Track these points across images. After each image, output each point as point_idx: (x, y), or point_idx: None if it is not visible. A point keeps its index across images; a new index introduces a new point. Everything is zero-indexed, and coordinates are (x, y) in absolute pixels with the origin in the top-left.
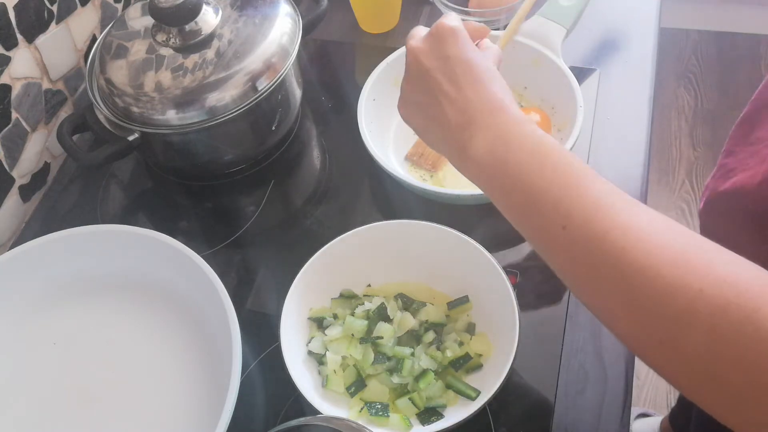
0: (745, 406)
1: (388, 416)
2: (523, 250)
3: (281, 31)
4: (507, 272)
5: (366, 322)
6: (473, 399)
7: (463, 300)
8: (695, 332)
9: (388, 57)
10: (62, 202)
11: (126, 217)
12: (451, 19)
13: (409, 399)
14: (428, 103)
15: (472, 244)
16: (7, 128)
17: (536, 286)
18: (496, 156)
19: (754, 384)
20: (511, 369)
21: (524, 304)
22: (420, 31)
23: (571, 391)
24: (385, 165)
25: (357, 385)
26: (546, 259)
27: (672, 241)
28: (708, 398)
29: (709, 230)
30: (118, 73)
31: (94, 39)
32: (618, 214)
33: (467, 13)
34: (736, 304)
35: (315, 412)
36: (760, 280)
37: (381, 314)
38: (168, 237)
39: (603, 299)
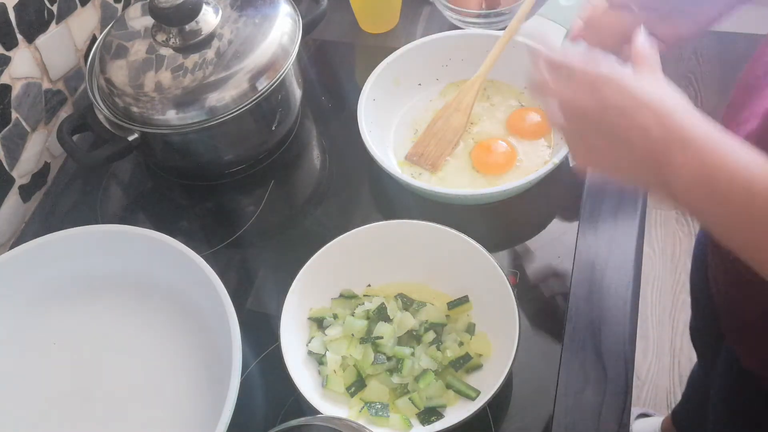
0: None
1: (388, 416)
2: (523, 250)
3: (281, 31)
4: (507, 272)
5: (366, 322)
6: (473, 399)
7: (463, 300)
8: None
9: (388, 57)
10: (62, 202)
11: (126, 217)
12: (589, 62)
13: (409, 399)
14: (613, 151)
15: (472, 244)
16: (7, 128)
17: (536, 286)
18: (700, 185)
19: None
20: (511, 369)
21: (524, 304)
22: (558, 85)
23: (571, 391)
24: (385, 165)
25: (357, 385)
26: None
27: None
28: None
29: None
30: (118, 73)
31: (94, 39)
32: None
33: (467, 14)
34: None
35: (315, 412)
36: None
37: (381, 314)
38: (168, 237)
39: None
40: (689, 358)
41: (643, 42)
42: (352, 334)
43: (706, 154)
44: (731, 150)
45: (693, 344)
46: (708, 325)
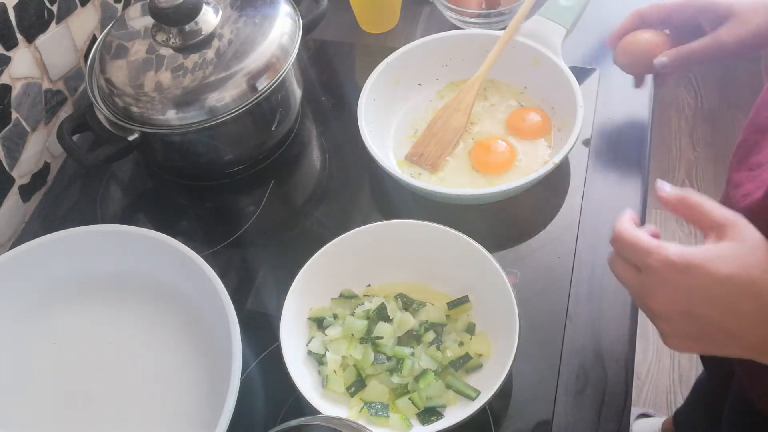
0: None
1: (388, 416)
2: (523, 250)
3: (281, 31)
4: (507, 272)
5: (366, 322)
6: (473, 399)
7: (463, 300)
8: None
9: (388, 57)
10: (62, 202)
11: (126, 217)
12: (656, 249)
13: (409, 399)
14: (708, 333)
15: (472, 244)
16: (7, 128)
17: (536, 286)
18: None
19: None
20: (511, 369)
21: (524, 304)
22: (631, 276)
23: (571, 391)
24: (385, 165)
25: (357, 385)
26: None
27: None
28: None
29: None
30: (118, 73)
31: (94, 39)
32: None
33: (467, 14)
34: None
35: (315, 412)
36: None
37: (381, 314)
38: (168, 237)
39: None
40: (689, 358)
41: (713, 208)
42: (352, 334)
43: None
44: None
45: (702, 361)
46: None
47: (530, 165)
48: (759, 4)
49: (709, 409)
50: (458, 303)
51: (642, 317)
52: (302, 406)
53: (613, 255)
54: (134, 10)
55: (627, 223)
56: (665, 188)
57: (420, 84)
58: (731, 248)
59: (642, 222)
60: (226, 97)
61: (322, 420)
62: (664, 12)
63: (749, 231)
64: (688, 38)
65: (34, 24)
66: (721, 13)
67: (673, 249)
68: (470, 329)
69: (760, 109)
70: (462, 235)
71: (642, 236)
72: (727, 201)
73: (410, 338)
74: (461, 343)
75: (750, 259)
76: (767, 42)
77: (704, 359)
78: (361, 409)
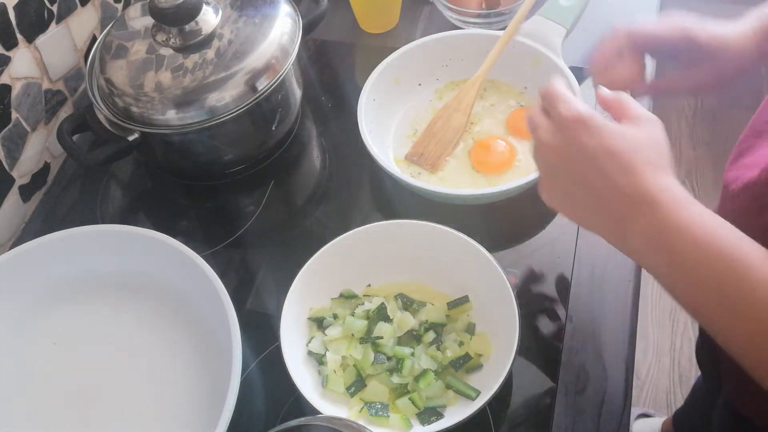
0: None
1: (388, 416)
2: (523, 250)
3: (281, 31)
4: (507, 272)
5: (366, 322)
6: (473, 399)
7: (463, 300)
8: None
9: (388, 57)
10: (62, 202)
11: (126, 217)
12: (571, 102)
13: (409, 399)
14: (576, 194)
15: (472, 244)
16: (7, 128)
17: (536, 286)
18: (656, 249)
19: None
20: (511, 369)
21: (524, 304)
22: (541, 120)
23: (571, 391)
24: (385, 165)
25: (357, 385)
26: (715, 335)
27: None
28: None
29: None
30: (118, 73)
31: (94, 39)
32: None
33: (467, 14)
34: None
35: (315, 412)
36: None
37: (381, 314)
38: (168, 237)
39: None
40: (689, 358)
41: (610, 95)
42: (352, 334)
43: (666, 220)
44: (694, 218)
45: (698, 361)
46: (713, 345)
47: (530, 165)
48: (737, 48)
49: (705, 413)
50: (458, 303)
51: (642, 317)
52: (302, 406)
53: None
54: (134, 10)
55: (560, 82)
56: (605, 92)
57: (420, 84)
58: (633, 131)
59: None
60: (226, 97)
61: (322, 420)
62: (651, 40)
63: (658, 130)
64: (664, 61)
65: (34, 24)
66: (700, 52)
67: (585, 107)
68: (470, 329)
69: (760, 114)
70: (462, 235)
71: (567, 92)
72: (721, 201)
73: (410, 338)
74: (461, 343)
75: (642, 147)
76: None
77: (700, 362)
78: (361, 409)
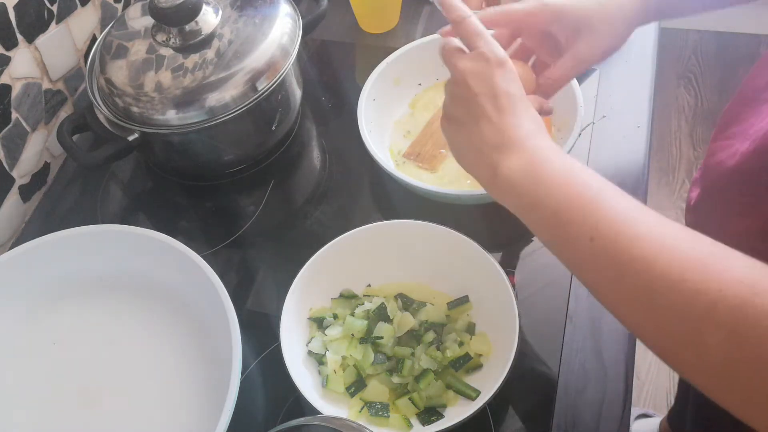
0: (763, 405)
1: (388, 416)
2: (523, 250)
3: (281, 31)
4: (507, 272)
5: (366, 322)
6: (473, 399)
7: (463, 300)
8: (716, 331)
9: (388, 57)
10: (62, 202)
11: (126, 217)
12: (500, 49)
13: (409, 399)
14: (468, 122)
15: (472, 244)
16: (7, 128)
17: (536, 286)
18: (526, 174)
19: None
20: (511, 369)
21: (524, 304)
22: (464, 52)
23: (571, 391)
24: (385, 165)
25: (357, 385)
26: (572, 270)
27: (694, 249)
28: (729, 397)
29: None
30: (118, 73)
31: (94, 39)
32: (643, 225)
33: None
34: (752, 303)
35: (315, 412)
36: None
37: (381, 314)
38: (168, 237)
39: (629, 306)
40: None
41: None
42: (352, 334)
43: (539, 157)
44: (564, 162)
45: None
46: None
47: None
48: (611, 15)
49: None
50: (458, 303)
51: None
52: (302, 406)
53: (448, 40)
54: (134, 10)
55: (475, 19)
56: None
57: (420, 84)
58: (514, 79)
59: None
60: (226, 97)
61: (322, 420)
62: (514, 23)
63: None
64: (542, 46)
65: (34, 24)
66: (573, 25)
67: (502, 51)
68: (470, 329)
69: (748, 81)
70: (462, 235)
71: (485, 30)
72: (705, 169)
73: (410, 338)
74: (461, 343)
75: (529, 103)
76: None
77: None
78: (361, 409)
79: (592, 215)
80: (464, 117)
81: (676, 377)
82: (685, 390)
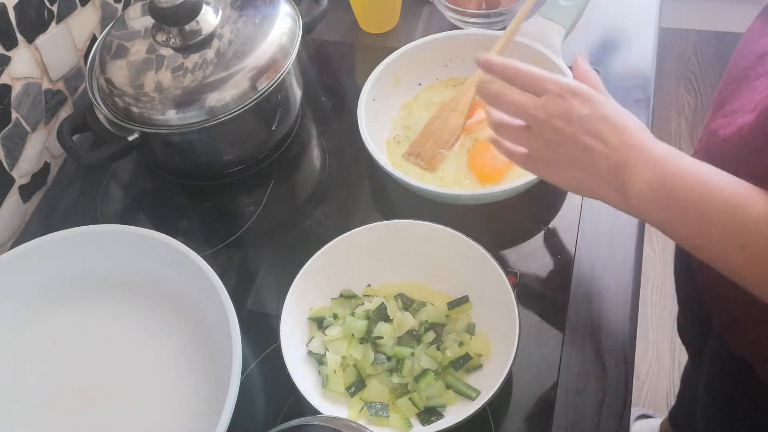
0: None
1: (388, 416)
2: (523, 250)
3: (281, 31)
4: (507, 272)
5: (366, 322)
6: (473, 399)
7: (463, 300)
8: None
9: (388, 57)
10: (62, 202)
11: (126, 217)
12: (560, 78)
13: (409, 399)
14: (574, 160)
15: (472, 244)
16: (7, 128)
17: (536, 286)
18: (657, 191)
19: None
20: (511, 369)
21: (524, 304)
22: (527, 100)
23: (571, 391)
24: (385, 165)
25: (357, 385)
26: (727, 273)
27: None
28: None
29: None
30: (118, 73)
31: (94, 39)
32: None
33: (467, 14)
34: None
35: (315, 412)
36: None
37: (381, 314)
38: (168, 237)
39: None
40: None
41: (588, 68)
42: (352, 334)
43: (662, 167)
44: (690, 165)
45: (681, 340)
46: (695, 317)
47: None
48: None
49: (694, 401)
50: (458, 303)
51: (642, 318)
52: (302, 406)
53: (499, 86)
54: (134, 10)
55: (515, 61)
56: (583, 63)
57: (420, 84)
58: (611, 101)
59: (642, 222)
60: (226, 97)
61: (322, 420)
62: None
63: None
64: None
65: (34, 24)
66: None
67: (568, 79)
68: (470, 329)
69: (736, 61)
70: (462, 235)
71: (536, 68)
72: (705, 149)
73: (410, 338)
74: (461, 343)
75: (624, 112)
76: None
77: (682, 336)
78: (361, 409)
79: (736, 224)
80: (567, 157)
81: (676, 377)
82: (690, 390)
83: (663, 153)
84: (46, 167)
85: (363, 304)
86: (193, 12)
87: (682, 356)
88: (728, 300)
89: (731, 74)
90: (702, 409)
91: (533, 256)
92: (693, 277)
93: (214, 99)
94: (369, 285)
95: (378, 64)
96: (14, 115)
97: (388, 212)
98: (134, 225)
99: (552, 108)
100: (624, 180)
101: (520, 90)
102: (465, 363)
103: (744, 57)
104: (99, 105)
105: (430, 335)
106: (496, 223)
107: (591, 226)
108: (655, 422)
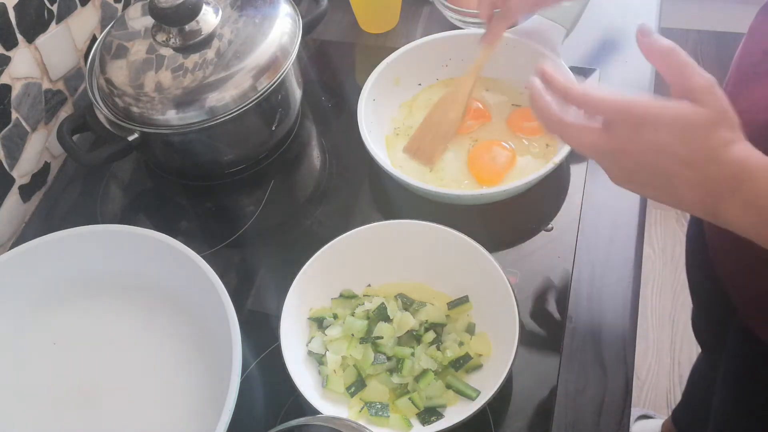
0: None
1: (388, 416)
2: (523, 250)
3: (281, 31)
4: (507, 272)
5: (366, 322)
6: (473, 399)
7: (463, 300)
8: None
9: (388, 57)
10: (62, 202)
11: (126, 217)
12: (611, 100)
13: (409, 399)
14: (660, 186)
15: (472, 244)
16: (7, 128)
17: (536, 286)
18: (752, 219)
19: None
20: (511, 369)
21: (524, 304)
22: (588, 131)
23: (571, 391)
24: (385, 165)
25: (357, 385)
26: None
27: None
28: None
29: None
30: (118, 73)
31: (94, 39)
32: None
33: (467, 14)
34: None
35: (315, 412)
36: None
37: (381, 314)
38: (168, 237)
39: None
40: (689, 358)
41: (702, 75)
42: (352, 334)
43: (758, 189)
44: None
45: (696, 338)
46: (714, 312)
47: (530, 165)
48: None
49: (705, 400)
50: (458, 303)
51: (642, 317)
52: (302, 406)
53: (560, 115)
54: (134, 10)
55: (566, 77)
56: (650, 35)
57: (420, 84)
58: (699, 112)
59: (642, 222)
60: (226, 97)
61: (322, 420)
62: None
63: (719, 99)
64: None
65: (34, 24)
66: None
67: (623, 99)
68: (470, 329)
69: (741, 60)
70: (462, 235)
71: (590, 88)
72: None
73: (410, 338)
74: (461, 343)
75: (711, 126)
76: None
77: (697, 333)
78: (361, 409)
79: None
80: (650, 182)
81: (676, 377)
82: (700, 389)
83: (755, 170)
84: (46, 167)
85: (363, 304)
86: (193, 12)
87: (682, 356)
88: (755, 285)
89: (740, 71)
90: (719, 405)
91: (533, 256)
92: (710, 270)
93: (214, 99)
94: (369, 285)
95: (378, 64)
96: (14, 115)
97: (388, 212)
98: (134, 225)
99: (616, 139)
100: (716, 207)
101: (574, 109)
102: (465, 363)
103: (750, 55)
104: (99, 105)
105: (430, 335)
106: (496, 223)
107: (591, 227)
108: (655, 423)
